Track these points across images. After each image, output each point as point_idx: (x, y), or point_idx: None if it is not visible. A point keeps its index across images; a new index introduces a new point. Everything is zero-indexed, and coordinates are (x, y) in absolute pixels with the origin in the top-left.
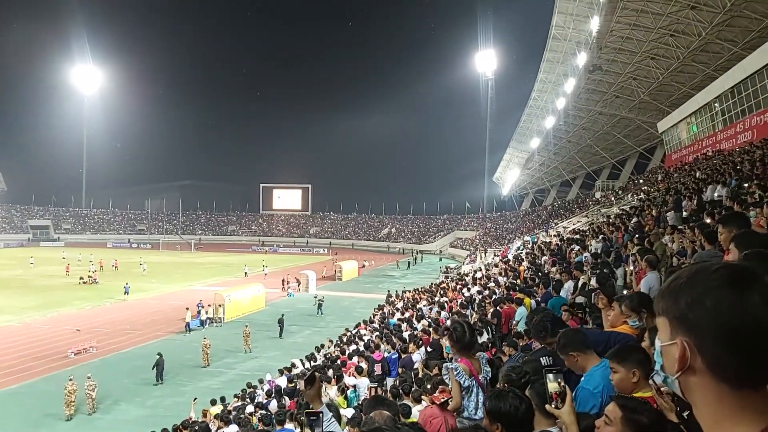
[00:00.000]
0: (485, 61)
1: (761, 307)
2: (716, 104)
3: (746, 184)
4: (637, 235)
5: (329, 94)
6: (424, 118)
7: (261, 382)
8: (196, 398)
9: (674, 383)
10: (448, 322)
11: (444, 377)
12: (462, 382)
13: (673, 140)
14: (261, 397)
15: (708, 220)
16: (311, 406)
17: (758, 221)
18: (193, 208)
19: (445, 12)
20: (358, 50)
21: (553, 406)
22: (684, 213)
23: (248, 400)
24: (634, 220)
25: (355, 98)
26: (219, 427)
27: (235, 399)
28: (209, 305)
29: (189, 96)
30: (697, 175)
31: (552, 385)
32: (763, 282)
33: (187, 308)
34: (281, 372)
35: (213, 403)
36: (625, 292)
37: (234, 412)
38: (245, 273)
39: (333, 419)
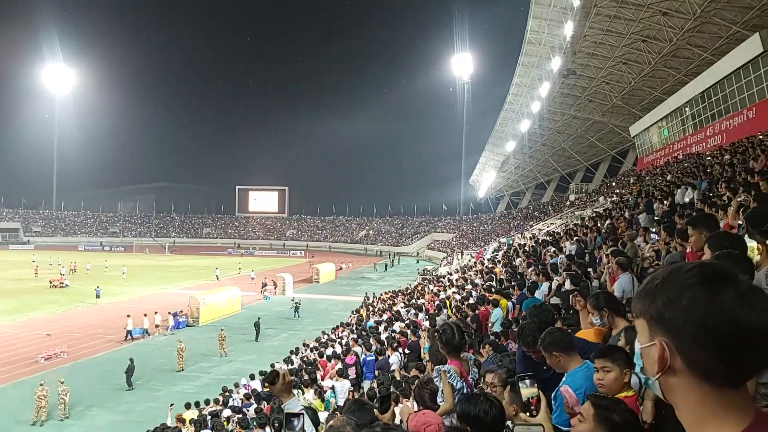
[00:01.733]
0: (462, 64)
1: (737, 305)
2: (687, 109)
3: (716, 187)
4: (609, 237)
5: (307, 96)
6: (402, 120)
7: (236, 386)
8: (172, 404)
9: (655, 385)
10: (426, 323)
11: (435, 379)
12: (454, 384)
13: (644, 144)
14: (237, 402)
15: (678, 222)
16: (281, 399)
17: (726, 223)
18: (168, 210)
19: (423, 16)
20: (335, 53)
21: (527, 414)
22: (656, 215)
23: (223, 405)
24: (607, 222)
25: (333, 100)
26: None
27: (213, 404)
28: (182, 311)
29: (164, 97)
30: (669, 178)
31: (526, 392)
32: (737, 280)
33: (128, 315)
34: (252, 377)
35: (188, 407)
36: None
37: (210, 417)
38: (216, 276)
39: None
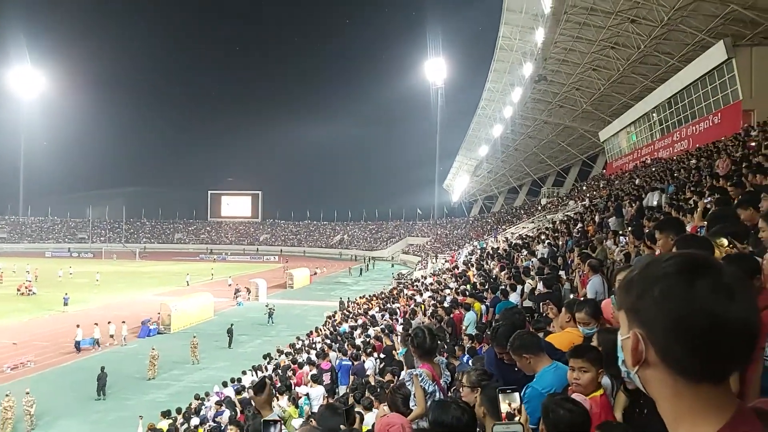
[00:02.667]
0: (435, 69)
1: (712, 296)
2: (654, 114)
3: (683, 191)
4: (580, 241)
5: (280, 100)
6: (376, 125)
7: (207, 395)
8: (141, 416)
9: (635, 378)
10: (400, 328)
11: (407, 383)
12: (426, 388)
13: (613, 149)
14: (211, 410)
15: (646, 225)
16: (262, 413)
17: (694, 226)
18: (138, 215)
19: (397, 21)
20: (309, 57)
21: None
22: (625, 219)
23: (195, 413)
24: (578, 225)
25: (306, 105)
26: None
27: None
28: (152, 319)
29: (134, 101)
30: (637, 182)
31: (504, 406)
32: (717, 270)
33: (78, 325)
34: (225, 384)
35: (164, 415)
36: (572, 296)
37: (183, 426)
38: (187, 282)
39: (284, 430)
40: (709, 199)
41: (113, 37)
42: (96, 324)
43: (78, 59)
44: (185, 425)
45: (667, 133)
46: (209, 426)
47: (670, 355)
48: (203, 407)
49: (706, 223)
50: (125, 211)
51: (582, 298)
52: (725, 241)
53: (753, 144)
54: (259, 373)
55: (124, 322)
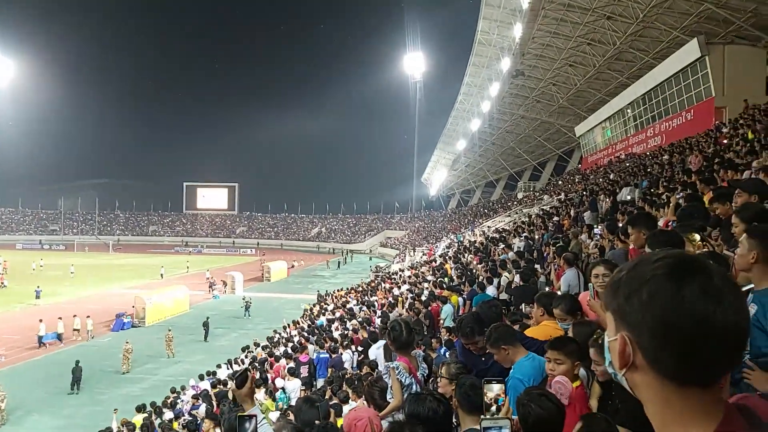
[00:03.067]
0: (414, 63)
1: (700, 300)
2: (629, 110)
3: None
4: (556, 234)
5: (257, 91)
6: (355, 118)
7: (183, 388)
8: (116, 409)
9: (623, 380)
10: (378, 321)
11: (384, 376)
12: (403, 381)
13: (589, 144)
14: (188, 404)
15: (620, 220)
16: (243, 407)
17: (666, 221)
18: (111, 207)
19: (376, 14)
20: (288, 49)
21: (488, 416)
22: (599, 213)
23: (170, 407)
24: (554, 219)
25: (284, 96)
26: None
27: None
28: (126, 312)
29: (108, 91)
30: (611, 177)
31: (490, 395)
32: (707, 272)
33: (41, 320)
34: (202, 377)
35: (139, 410)
36: (547, 288)
37: (158, 421)
38: (161, 275)
39: (264, 422)
40: (681, 194)
41: (88, 26)
42: (60, 318)
43: (50, 48)
44: (158, 419)
45: (641, 129)
46: (184, 420)
47: (658, 360)
48: (179, 401)
49: (675, 217)
50: (98, 202)
51: (558, 292)
52: (697, 237)
53: (725, 141)
54: (236, 367)
55: (89, 316)
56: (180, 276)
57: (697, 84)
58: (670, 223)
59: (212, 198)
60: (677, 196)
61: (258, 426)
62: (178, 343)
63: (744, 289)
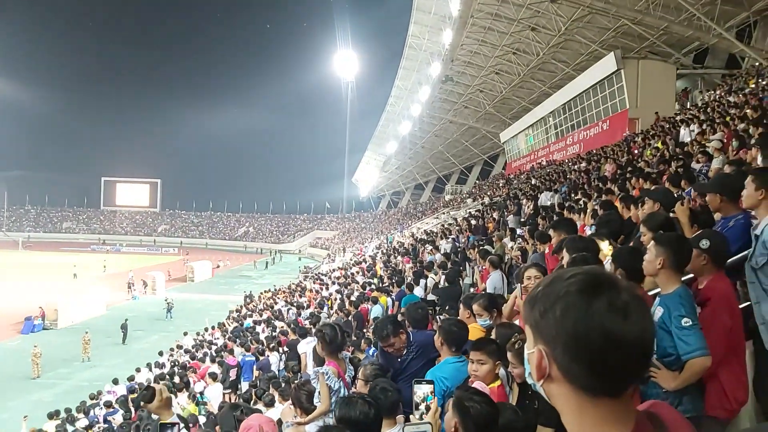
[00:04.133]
0: (345, 62)
1: (607, 315)
2: (550, 119)
3: (574, 192)
4: (481, 237)
5: (183, 84)
6: (285, 116)
7: (100, 393)
8: (26, 416)
9: (541, 390)
10: (307, 323)
11: (313, 381)
12: (332, 385)
13: (513, 150)
14: (100, 409)
15: (540, 224)
16: (159, 418)
17: (582, 225)
18: (22, 201)
19: (307, 11)
20: (215, 41)
21: (417, 416)
22: (521, 217)
23: (83, 413)
24: (479, 222)
25: (212, 90)
26: None
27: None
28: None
29: (20, 77)
30: (533, 182)
31: (420, 394)
32: (616, 288)
33: None
34: (116, 381)
35: (50, 417)
36: (472, 290)
37: (71, 428)
38: (74, 275)
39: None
40: (597, 201)
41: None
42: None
43: None
44: (72, 427)
45: (561, 137)
46: (100, 428)
47: (571, 372)
48: (96, 407)
49: (592, 222)
50: (7, 196)
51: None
52: (606, 244)
53: (636, 151)
54: (157, 370)
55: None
56: (96, 276)
57: (613, 96)
58: (586, 228)
59: (132, 194)
60: (593, 203)
61: None
62: (94, 346)
63: (651, 293)
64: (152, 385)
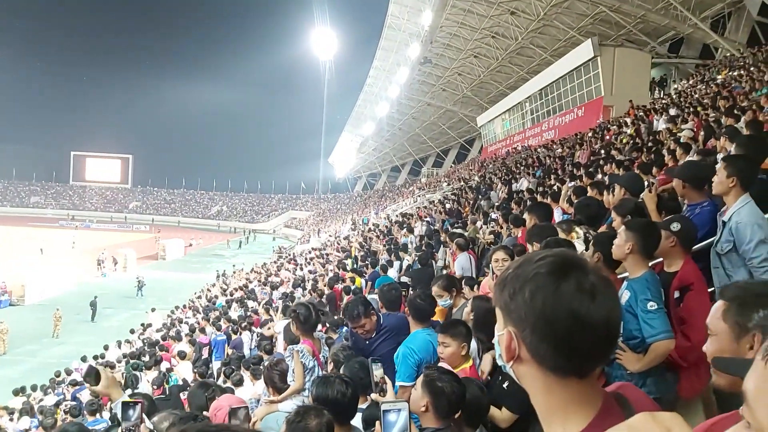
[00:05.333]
0: (323, 41)
1: (575, 296)
2: (526, 104)
3: (548, 176)
4: (454, 220)
5: (157, 56)
6: (261, 93)
7: (69, 372)
8: None
9: (510, 371)
10: (280, 302)
11: (287, 359)
12: (306, 363)
13: (489, 134)
14: (69, 387)
15: (514, 208)
16: (112, 399)
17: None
18: None
19: None
20: (191, 14)
21: (376, 393)
22: (496, 201)
23: (50, 390)
24: (454, 205)
25: (186, 64)
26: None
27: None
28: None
29: None
30: (508, 167)
31: (377, 373)
32: (584, 270)
33: None
34: (84, 359)
35: (16, 393)
36: (444, 272)
37: (38, 404)
38: (41, 250)
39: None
40: (572, 185)
41: None
42: None
43: None
44: (38, 404)
45: (537, 123)
46: (67, 404)
47: (539, 353)
48: (63, 384)
49: (567, 206)
50: None
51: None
52: (579, 231)
53: (608, 138)
54: (126, 347)
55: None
56: (65, 252)
57: (588, 83)
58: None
59: (103, 169)
60: (569, 185)
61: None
62: (63, 323)
63: (620, 276)
64: (93, 365)
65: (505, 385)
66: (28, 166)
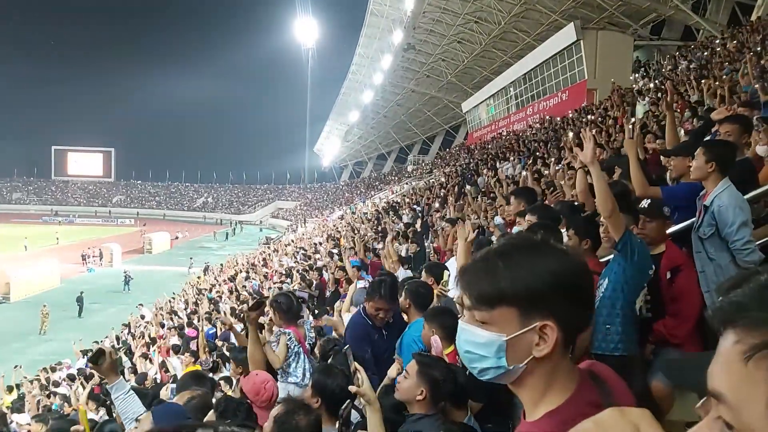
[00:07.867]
0: (306, 29)
1: (563, 257)
2: (511, 89)
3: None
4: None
5: (138, 48)
6: (244, 83)
7: (59, 365)
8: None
9: (516, 370)
10: (269, 292)
11: (272, 342)
12: (291, 347)
13: (474, 120)
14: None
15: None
16: (108, 381)
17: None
18: None
19: None
20: (172, 5)
21: (356, 384)
22: (481, 187)
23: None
24: (441, 191)
25: (167, 56)
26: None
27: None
28: None
29: None
30: (494, 152)
31: (352, 365)
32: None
33: None
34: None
35: (10, 390)
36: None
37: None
38: (24, 247)
39: (131, 392)
40: (559, 168)
41: None
42: None
43: None
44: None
45: (521, 107)
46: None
47: (570, 320)
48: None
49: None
50: None
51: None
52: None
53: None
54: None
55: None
56: (49, 248)
57: (572, 66)
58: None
59: (85, 163)
60: (556, 168)
61: (126, 396)
62: (50, 319)
63: (604, 259)
64: (101, 346)
65: (467, 372)
66: (8, 162)
